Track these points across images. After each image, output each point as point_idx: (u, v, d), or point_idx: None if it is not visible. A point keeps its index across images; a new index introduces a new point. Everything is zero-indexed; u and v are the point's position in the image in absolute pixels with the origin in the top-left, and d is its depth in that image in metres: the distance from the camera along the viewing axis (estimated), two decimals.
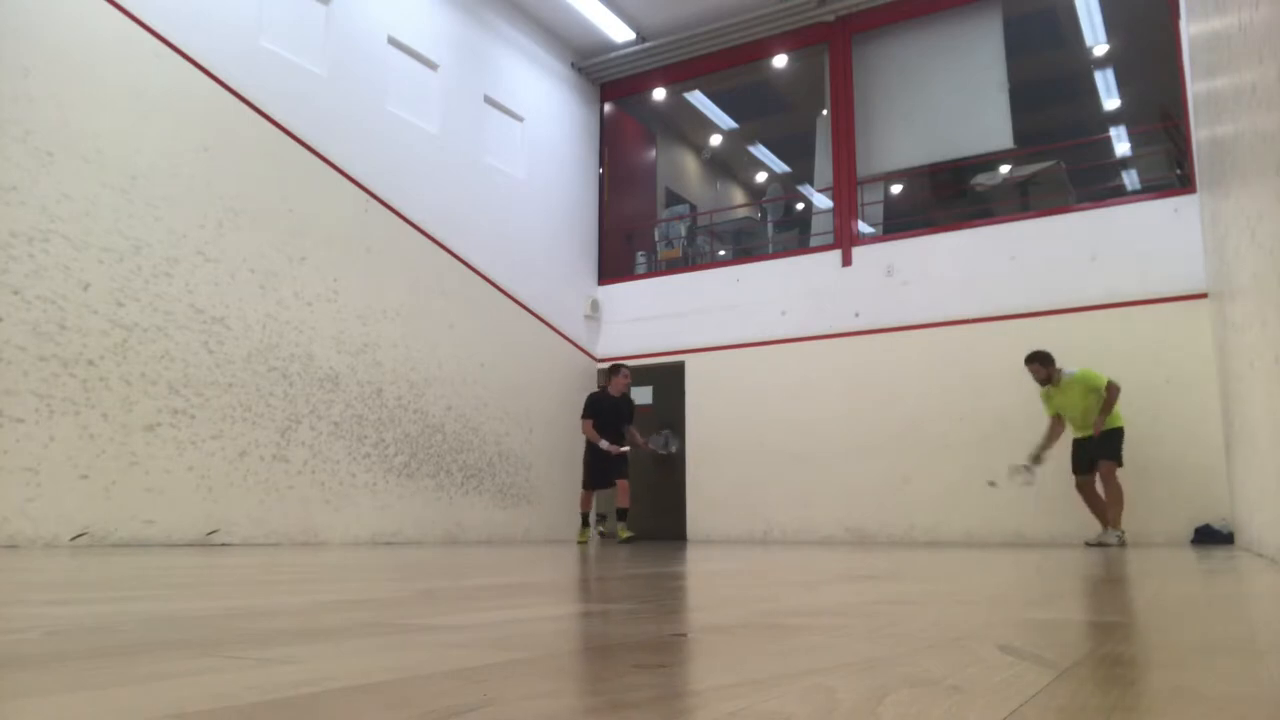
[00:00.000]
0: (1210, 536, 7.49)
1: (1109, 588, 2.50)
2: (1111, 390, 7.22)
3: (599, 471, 8.23)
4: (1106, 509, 7.26)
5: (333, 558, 4.56)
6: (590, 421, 8.27)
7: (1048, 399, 7.56)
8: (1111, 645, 1.20)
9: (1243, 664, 1.09)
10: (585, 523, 8.38)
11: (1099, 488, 7.35)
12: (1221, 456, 7.50)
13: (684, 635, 1.39)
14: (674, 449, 8.53)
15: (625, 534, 8.11)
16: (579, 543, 8.14)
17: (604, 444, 8.14)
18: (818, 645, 1.23)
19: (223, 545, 6.40)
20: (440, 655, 1.10)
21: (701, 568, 3.85)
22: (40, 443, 5.58)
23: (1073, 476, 7.52)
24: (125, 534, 5.99)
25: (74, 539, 5.69)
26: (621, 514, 8.18)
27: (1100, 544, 7.04)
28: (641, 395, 11.08)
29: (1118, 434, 7.29)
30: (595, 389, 11.00)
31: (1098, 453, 7.27)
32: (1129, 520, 8.01)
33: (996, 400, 8.67)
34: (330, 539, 7.42)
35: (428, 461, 8.51)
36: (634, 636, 1.35)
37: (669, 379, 10.67)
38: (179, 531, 6.30)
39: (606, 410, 8.33)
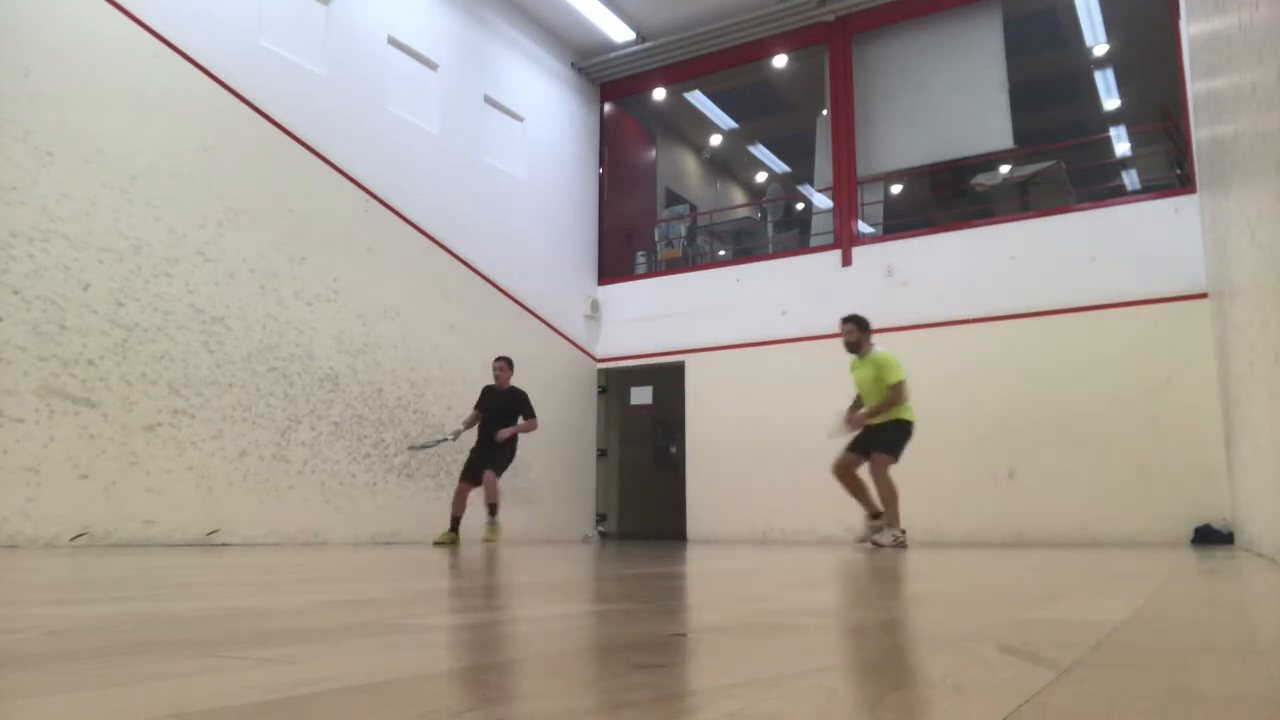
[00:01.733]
0: (1210, 536, 7.49)
1: (1109, 587, 2.50)
2: (895, 390, 6.60)
3: (469, 462, 7.56)
4: (868, 496, 6.66)
5: (333, 558, 4.56)
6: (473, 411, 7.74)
7: (852, 368, 6.97)
8: (1111, 645, 1.20)
9: (1243, 664, 1.08)
10: (454, 525, 7.43)
11: (868, 479, 6.66)
12: (1221, 456, 7.50)
13: (684, 635, 1.39)
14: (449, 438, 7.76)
15: (490, 535, 7.42)
16: (435, 543, 7.24)
17: (449, 430, 7.80)
18: (818, 645, 1.23)
19: (223, 545, 6.40)
20: (440, 655, 1.10)
21: (701, 568, 3.85)
22: (40, 443, 5.58)
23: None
24: (125, 534, 5.99)
25: (74, 539, 5.69)
26: (490, 510, 7.40)
27: (874, 543, 6.46)
28: (641, 395, 11.10)
29: (901, 428, 6.66)
30: (597, 389, 11.04)
31: (873, 440, 6.62)
32: (1130, 519, 8.02)
33: (996, 400, 8.67)
34: (330, 539, 7.42)
35: (428, 462, 8.51)
36: (634, 636, 1.34)
37: (669, 379, 10.66)
38: (179, 531, 6.30)
39: (487, 401, 7.71)
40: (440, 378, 8.75)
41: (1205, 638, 1.34)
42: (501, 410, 7.68)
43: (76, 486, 5.74)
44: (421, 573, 3.28)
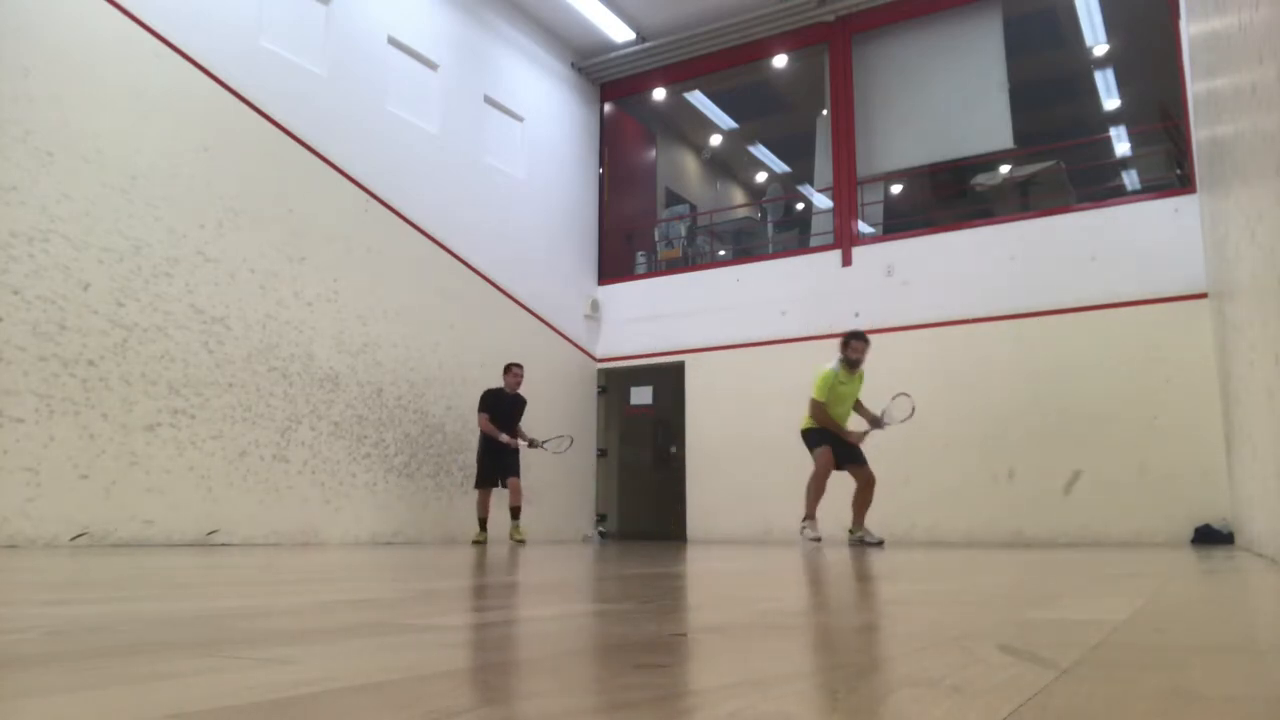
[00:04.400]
0: (1210, 536, 7.49)
1: (1109, 587, 2.50)
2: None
3: (491, 468, 7.87)
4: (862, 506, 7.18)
5: (333, 558, 4.56)
6: (487, 416, 7.91)
7: (840, 383, 7.05)
8: (1111, 645, 1.20)
9: (1243, 664, 1.08)
10: (483, 525, 7.90)
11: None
12: (1221, 456, 7.50)
13: (684, 635, 1.39)
14: (566, 449, 8.69)
15: (520, 535, 7.82)
16: (475, 543, 7.73)
17: (503, 437, 7.85)
18: (818, 645, 1.23)
19: (223, 545, 6.40)
20: (440, 655, 1.10)
21: (701, 568, 3.85)
22: (40, 443, 5.58)
23: (846, 469, 7.22)
24: (125, 534, 5.99)
25: (74, 539, 5.69)
26: (515, 513, 7.87)
27: (866, 542, 7.00)
28: (641, 395, 11.10)
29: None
30: (597, 389, 11.04)
31: (856, 451, 7.20)
32: (1130, 519, 8.04)
33: (996, 400, 8.67)
34: (330, 539, 7.42)
35: (428, 461, 8.51)
36: (634, 636, 1.34)
37: (669, 379, 10.66)
38: (179, 531, 6.30)
39: (503, 406, 8.03)
40: (440, 378, 8.75)
41: (1205, 638, 1.34)
42: (517, 415, 8.16)
43: (76, 486, 5.74)
44: (421, 573, 3.28)
